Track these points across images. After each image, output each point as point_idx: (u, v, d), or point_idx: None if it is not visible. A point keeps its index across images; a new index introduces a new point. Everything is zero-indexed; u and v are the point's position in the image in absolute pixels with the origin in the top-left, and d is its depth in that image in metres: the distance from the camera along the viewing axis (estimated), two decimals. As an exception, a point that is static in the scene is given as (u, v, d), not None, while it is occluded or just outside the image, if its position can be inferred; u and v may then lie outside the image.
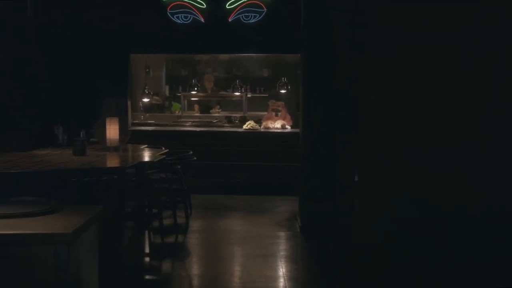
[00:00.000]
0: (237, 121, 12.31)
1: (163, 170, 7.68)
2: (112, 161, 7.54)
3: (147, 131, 11.00)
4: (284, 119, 11.26)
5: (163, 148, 8.96)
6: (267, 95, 14.46)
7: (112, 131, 8.23)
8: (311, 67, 7.87)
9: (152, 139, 10.63)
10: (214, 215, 8.91)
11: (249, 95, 13.21)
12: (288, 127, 11.15)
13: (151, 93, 11.38)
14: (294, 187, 10.03)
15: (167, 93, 14.59)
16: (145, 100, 11.49)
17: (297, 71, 12.52)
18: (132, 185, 7.30)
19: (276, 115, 11.29)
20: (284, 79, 11.10)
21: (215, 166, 10.71)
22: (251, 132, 10.80)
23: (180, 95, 13.16)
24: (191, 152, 8.94)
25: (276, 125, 11.06)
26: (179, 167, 7.78)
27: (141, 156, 7.97)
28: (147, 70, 14.10)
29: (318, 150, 7.83)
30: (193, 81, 11.53)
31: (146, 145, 9.08)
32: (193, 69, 14.14)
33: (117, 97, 10.52)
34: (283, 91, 11.19)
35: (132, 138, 10.26)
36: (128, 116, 10.86)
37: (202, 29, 10.78)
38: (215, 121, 12.40)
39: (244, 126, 10.98)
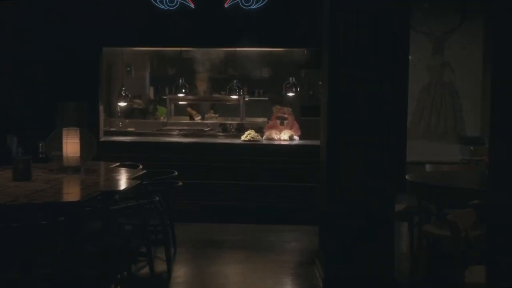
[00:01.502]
0: (233, 130, 10.20)
1: (138, 201, 5.57)
2: (66, 191, 5.45)
3: (123, 142, 8.87)
4: (291, 128, 9.17)
5: (141, 166, 6.89)
6: (267, 98, 12.46)
7: (70, 146, 6.14)
8: (343, 62, 5.77)
9: (129, 153, 8.55)
10: (205, 256, 6.78)
11: (246, 99, 11.14)
12: (296, 137, 9.07)
13: (129, 95, 9.26)
14: (308, 214, 7.98)
15: (151, 95, 12.50)
16: (122, 104, 9.37)
17: (301, 70, 10.51)
18: (94, 228, 5.22)
19: (282, 123, 9.20)
20: (292, 80, 9.01)
21: (207, 187, 8.61)
22: (251, 145, 8.71)
23: (166, 98, 11.03)
24: (176, 173, 6.83)
25: (282, 136, 8.97)
26: (157, 199, 5.65)
27: (110, 181, 5.88)
28: (128, 69, 12.03)
29: (353, 167, 5.75)
30: (181, 81, 9.41)
31: (119, 163, 6.98)
32: (183, 68, 11.98)
33: (86, 100, 8.43)
34: (290, 94, 9.08)
35: (104, 151, 8.19)
36: (99, 124, 8.72)
37: (191, 16, 8.67)
38: (206, 129, 10.29)
39: (243, 137, 8.89)
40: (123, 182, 5.76)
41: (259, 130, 9.95)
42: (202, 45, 9.02)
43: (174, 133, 10.07)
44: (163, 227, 6.05)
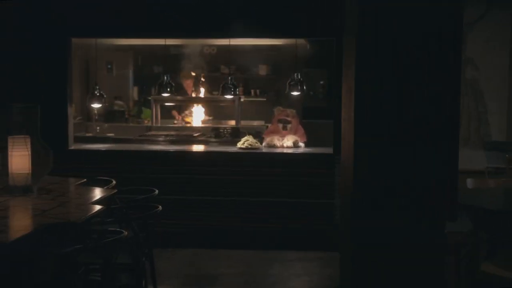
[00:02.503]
0: (227, 135, 8.76)
1: (101, 237, 4.09)
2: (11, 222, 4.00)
3: (97, 151, 7.38)
4: (295, 133, 7.72)
5: (114, 182, 5.46)
6: (264, 99, 11.02)
7: (18, 159, 4.67)
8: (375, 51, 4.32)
9: (104, 164, 7.10)
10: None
11: (242, 99, 9.69)
12: (301, 144, 7.62)
13: (105, 95, 7.79)
14: (320, 237, 6.58)
15: (135, 96, 11.02)
16: (95, 105, 7.88)
17: (302, 69, 9.07)
18: (44, 277, 3.76)
19: (285, 128, 7.75)
20: (297, 76, 7.52)
21: (198, 204, 7.14)
22: (249, 153, 7.25)
23: (150, 99, 9.54)
24: (156, 192, 5.37)
25: (286, 142, 7.52)
26: (124, 234, 4.16)
27: (67, 208, 4.42)
28: (109, 66, 10.56)
29: (390, 183, 4.32)
30: (165, 78, 7.92)
31: (85, 179, 5.52)
32: (170, 66, 10.46)
33: (53, 101, 6.97)
34: (296, 93, 7.61)
35: (74, 162, 6.77)
36: (68, 130, 7.23)
37: (176, 2, 7.19)
38: (196, 134, 8.83)
39: (240, 144, 7.44)
40: (84, 209, 4.29)
41: (257, 135, 8.50)
42: (188, 35, 7.54)
43: (160, 139, 8.63)
44: (136, 266, 4.57)
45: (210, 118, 9.73)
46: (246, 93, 10.87)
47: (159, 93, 7.88)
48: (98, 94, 7.69)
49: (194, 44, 10.44)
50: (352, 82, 4.44)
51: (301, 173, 7.04)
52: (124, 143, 8.52)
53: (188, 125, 9.58)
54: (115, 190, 5.00)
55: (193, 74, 10.23)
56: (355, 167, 4.39)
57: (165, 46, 10.51)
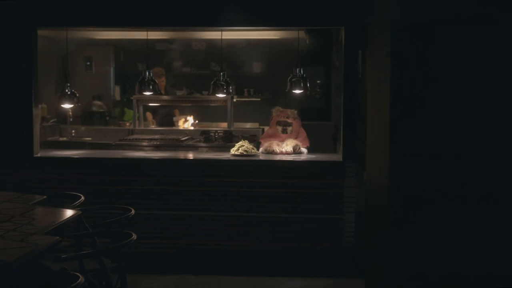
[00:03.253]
0: (219, 140, 7.71)
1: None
2: None
3: (69, 159, 6.30)
4: (296, 137, 6.68)
5: (82, 198, 4.45)
6: (259, 99, 9.99)
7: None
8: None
9: (75, 174, 6.05)
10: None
11: (234, 100, 8.65)
12: (304, 150, 6.58)
13: (77, 94, 6.71)
14: (329, 261, 5.57)
15: (117, 96, 9.95)
16: (66, 105, 6.79)
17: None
18: None
19: (285, 131, 6.71)
20: (299, 72, 6.45)
21: (184, 221, 6.08)
22: (245, 161, 6.19)
23: (133, 99, 8.47)
24: (132, 212, 4.32)
25: (286, 147, 6.47)
26: (81, 281, 3.09)
27: (7, 241, 3.37)
28: (88, 63, 9.49)
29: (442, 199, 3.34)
30: (147, 74, 6.83)
31: (45, 196, 4.47)
32: (156, 63, 9.40)
33: (16, 100, 5.93)
34: (298, 91, 6.53)
35: (40, 173, 5.73)
36: (34, 133, 6.15)
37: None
38: (184, 139, 7.78)
39: (233, 150, 6.39)
40: (30, 241, 3.23)
41: (252, 139, 7.47)
42: (170, 24, 6.46)
43: (143, 144, 7.57)
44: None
45: (196, 122, 8.69)
46: (239, 93, 9.85)
47: (140, 91, 6.81)
48: (69, 92, 6.60)
49: (181, 38, 9.41)
50: (384, 98, 3.48)
51: (304, 184, 6.00)
52: (101, 148, 7.47)
53: (174, 128, 8.55)
54: (79, 212, 3.94)
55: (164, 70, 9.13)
56: (397, 179, 3.40)
57: (150, 41, 9.48)
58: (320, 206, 5.97)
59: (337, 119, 11.00)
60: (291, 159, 6.21)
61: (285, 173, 6.05)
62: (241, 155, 6.30)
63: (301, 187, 5.99)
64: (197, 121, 8.77)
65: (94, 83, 9.39)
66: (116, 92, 9.93)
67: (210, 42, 9.75)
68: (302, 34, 8.79)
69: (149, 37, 7.76)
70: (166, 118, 9.11)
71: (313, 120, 9.11)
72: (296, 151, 6.47)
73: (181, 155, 6.69)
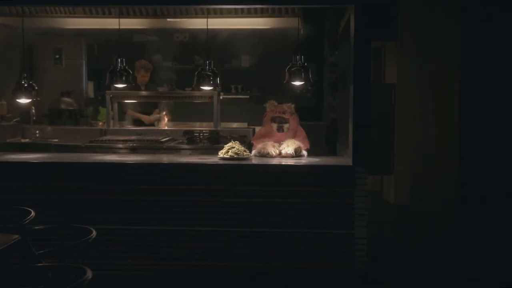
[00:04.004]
0: (204, 141, 6.69)
1: None
2: None
3: (25, 165, 5.22)
4: (294, 136, 5.67)
5: (32, 214, 3.45)
6: (247, 96, 9.01)
7: None
8: None
9: (30, 183, 5.00)
10: None
11: (220, 97, 7.65)
12: (304, 152, 5.56)
13: (36, 87, 5.64)
14: (338, 284, 4.60)
15: (90, 93, 8.91)
16: (22, 100, 5.70)
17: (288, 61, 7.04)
18: None
19: (280, 129, 5.69)
20: (299, 59, 5.38)
21: (165, 237, 5.05)
22: (236, 166, 5.15)
23: (106, 95, 7.41)
24: (94, 234, 3.28)
25: (284, 149, 5.46)
26: None
27: None
28: (57, 56, 8.44)
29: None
30: (119, 63, 5.73)
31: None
32: (134, 56, 8.33)
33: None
34: (298, 83, 5.47)
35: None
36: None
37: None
38: (164, 139, 6.75)
39: (222, 153, 5.36)
40: None
41: (241, 141, 6.47)
42: (144, 1, 5.42)
43: (118, 145, 6.55)
44: None
45: (164, 114, 7.65)
46: (225, 89, 8.87)
47: (111, 83, 5.73)
48: (26, 85, 5.53)
49: (161, 28, 8.37)
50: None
51: (307, 193, 4.99)
52: (69, 151, 6.41)
53: (154, 127, 7.51)
54: (17, 238, 2.90)
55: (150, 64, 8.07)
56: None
57: (126, 31, 8.48)
58: (326, 219, 4.96)
59: (329, 118, 10.20)
60: (291, 164, 5.18)
61: (283, 180, 5.04)
62: (231, 158, 5.28)
63: (303, 197, 4.98)
64: (165, 114, 7.67)
65: (63, 78, 8.34)
66: (90, 88, 8.88)
67: (194, 33, 8.77)
68: (295, 23, 7.85)
69: (125, 27, 6.76)
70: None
71: (304, 120, 8.14)
72: (297, 153, 5.46)
73: (160, 158, 5.64)
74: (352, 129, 4.98)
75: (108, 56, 9.23)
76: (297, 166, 5.13)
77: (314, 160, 5.35)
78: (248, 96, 9.25)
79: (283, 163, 5.19)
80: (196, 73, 5.62)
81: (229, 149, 5.37)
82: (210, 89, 6.20)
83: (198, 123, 8.16)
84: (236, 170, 5.11)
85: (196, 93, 7.22)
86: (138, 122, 7.85)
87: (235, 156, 5.30)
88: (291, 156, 5.42)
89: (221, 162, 5.23)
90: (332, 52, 9.94)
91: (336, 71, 9.81)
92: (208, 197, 5.02)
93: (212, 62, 5.62)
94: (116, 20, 6.53)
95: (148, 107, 7.82)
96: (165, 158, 5.63)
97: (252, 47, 9.01)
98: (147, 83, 7.71)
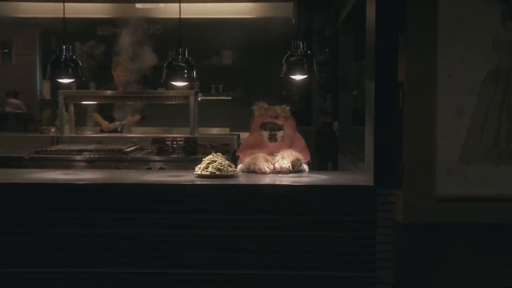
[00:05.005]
0: (178, 151, 5.38)
1: None
2: None
3: None
4: (291, 146, 4.36)
5: None
6: (229, 97, 7.76)
7: None
8: None
9: None
10: None
11: (199, 99, 6.39)
12: (305, 166, 4.25)
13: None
14: None
15: (46, 94, 7.54)
16: None
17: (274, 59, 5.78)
18: None
19: (273, 137, 4.37)
20: (300, 46, 4.04)
21: (125, 284, 3.69)
22: (219, 186, 3.81)
23: (59, 95, 6.05)
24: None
25: (281, 162, 4.14)
26: None
27: None
28: (5, 51, 7.11)
29: None
30: (63, 49, 4.37)
31: None
32: (98, 51, 7.05)
33: None
34: (299, 77, 4.10)
35: None
36: None
37: None
38: (129, 149, 5.42)
39: (200, 168, 4.02)
40: None
41: (224, 150, 5.19)
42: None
43: (71, 157, 5.21)
44: None
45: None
46: (205, 89, 7.64)
47: (53, 76, 4.35)
48: None
49: (130, 18, 7.08)
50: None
51: (314, 223, 3.68)
52: (8, 165, 5.05)
53: (117, 134, 6.17)
54: None
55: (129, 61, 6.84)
56: None
57: (90, 22, 7.29)
58: (339, 258, 3.66)
59: (319, 123, 9.08)
60: (290, 183, 3.88)
61: (282, 206, 3.73)
62: (213, 176, 3.96)
63: (308, 228, 3.68)
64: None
65: (12, 76, 7.03)
66: (46, 88, 7.52)
67: (168, 25, 7.46)
68: (287, 11, 6.67)
69: (88, 16, 5.51)
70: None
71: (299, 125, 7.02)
72: (295, 168, 4.17)
73: (118, 176, 4.29)
74: (374, 138, 3.69)
75: (70, 51, 8.05)
76: (300, 187, 3.81)
77: (319, 177, 4.04)
78: (230, 98, 8.05)
79: (281, 183, 3.88)
80: (165, 65, 4.26)
81: (210, 164, 4.04)
82: (185, 86, 4.85)
83: (172, 129, 6.87)
84: (220, 192, 3.79)
85: (169, 92, 5.93)
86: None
87: (217, 173, 3.98)
88: (288, 172, 4.12)
89: (200, 181, 3.90)
90: (322, 50, 8.87)
91: (327, 71, 8.69)
92: (181, 228, 3.69)
93: (186, 50, 4.26)
94: (78, 7, 5.32)
95: (122, 111, 6.55)
96: (124, 176, 4.27)
97: (236, 40, 7.73)
98: (126, 84, 6.50)
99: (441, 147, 6.88)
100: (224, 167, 4.02)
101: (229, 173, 4.00)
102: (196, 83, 7.15)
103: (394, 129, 3.70)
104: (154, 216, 3.70)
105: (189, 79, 4.16)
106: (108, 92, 6.15)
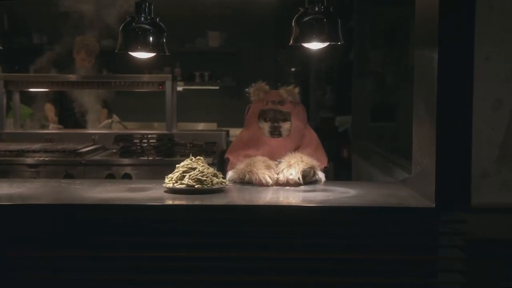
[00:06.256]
0: (150, 152, 4.04)
1: None
2: None
3: None
4: (299, 145, 3.04)
5: None
6: (217, 87, 6.54)
7: None
8: None
9: None
10: None
11: (180, 88, 5.11)
12: (321, 176, 2.93)
13: None
14: None
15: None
16: None
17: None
18: None
19: (275, 131, 3.06)
20: (318, 4, 2.75)
21: None
22: (199, 208, 2.48)
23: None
24: None
25: (284, 172, 2.81)
26: None
27: None
28: None
29: None
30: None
31: None
32: (60, 32, 5.77)
33: None
34: (316, 45, 2.71)
35: None
36: None
37: None
38: (85, 149, 4.09)
39: (172, 178, 2.70)
40: None
41: (210, 151, 3.88)
42: None
43: (12, 159, 3.88)
44: None
45: (112, 121, 5.04)
46: (187, 77, 6.42)
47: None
48: None
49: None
50: None
51: (341, 263, 2.37)
52: None
53: (76, 130, 4.83)
54: None
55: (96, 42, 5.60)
56: None
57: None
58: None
59: (317, 118, 7.91)
60: (304, 202, 2.55)
61: (295, 238, 2.40)
62: (190, 190, 2.63)
63: (331, 273, 2.36)
64: (112, 121, 5.09)
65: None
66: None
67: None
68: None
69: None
70: (71, 117, 5.40)
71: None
72: (308, 179, 2.86)
73: (52, 190, 2.90)
74: (438, 142, 2.36)
75: (25, 32, 6.78)
76: (319, 210, 2.47)
77: (344, 192, 2.70)
78: (218, 87, 6.84)
79: (287, 203, 2.55)
80: (121, 28, 2.89)
81: (186, 172, 2.70)
82: (149, 56, 3.42)
83: (146, 124, 5.59)
84: (200, 215, 2.46)
85: (140, 77, 4.60)
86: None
87: (196, 186, 2.65)
88: (297, 184, 2.80)
89: (170, 199, 2.57)
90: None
91: (328, 59, 7.52)
92: (138, 272, 2.37)
93: (152, 7, 2.91)
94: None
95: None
96: (60, 190, 2.88)
97: (224, 18, 6.43)
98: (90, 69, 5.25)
99: (474, 146, 5.51)
100: (206, 177, 2.68)
101: (214, 186, 2.67)
102: (178, 69, 5.91)
103: (465, 130, 2.40)
104: (96, 254, 2.36)
105: (155, 48, 2.80)
106: (62, 77, 4.79)
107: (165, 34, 2.86)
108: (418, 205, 2.41)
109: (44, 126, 5.14)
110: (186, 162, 2.74)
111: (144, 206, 2.42)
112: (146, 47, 2.77)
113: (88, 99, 5.21)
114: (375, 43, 5.52)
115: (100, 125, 4.97)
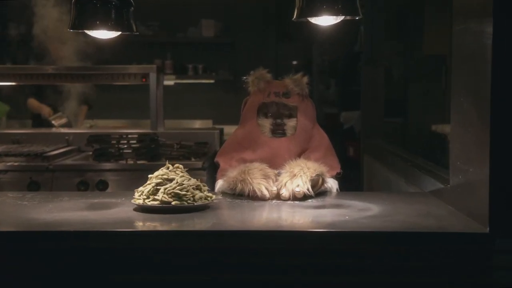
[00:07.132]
0: (129, 154, 3.43)
1: None
2: None
3: None
4: (306, 146, 2.45)
5: None
6: (212, 81, 6.04)
7: None
8: None
9: None
10: None
11: (171, 82, 4.54)
12: (332, 185, 2.33)
13: None
14: None
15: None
16: None
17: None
18: None
19: (278, 129, 2.47)
20: None
21: None
22: (184, 235, 1.87)
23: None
24: None
25: (291, 186, 2.21)
26: None
27: None
28: None
29: None
30: None
31: None
32: (40, 23, 5.18)
33: None
34: (329, 20, 2.11)
35: None
36: None
37: None
38: (56, 152, 3.47)
39: (142, 193, 2.07)
40: None
41: (200, 153, 3.27)
42: None
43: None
44: None
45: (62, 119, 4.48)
46: (180, 70, 5.92)
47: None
48: None
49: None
50: None
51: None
52: None
53: (47, 130, 4.22)
54: None
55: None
56: None
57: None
58: None
59: (320, 115, 7.40)
60: (310, 225, 1.94)
61: (300, 271, 1.80)
62: (165, 208, 2.02)
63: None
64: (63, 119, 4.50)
65: None
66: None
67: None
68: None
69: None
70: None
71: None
72: (316, 190, 2.26)
73: (8, 206, 2.27)
74: (493, 147, 1.74)
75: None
76: (334, 235, 1.86)
77: (364, 207, 2.09)
78: (213, 81, 6.28)
79: (298, 226, 1.94)
80: (73, 0, 2.22)
81: (159, 185, 2.08)
82: (111, 36, 2.71)
83: (125, 121, 5.01)
84: (179, 243, 1.85)
85: (120, 69, 3.99)
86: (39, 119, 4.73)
87: (173, 203, 2.03)
88: (301, 195, 2.20)
89: (140, 220, 1.97)
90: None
91: (330, 52, 7.04)
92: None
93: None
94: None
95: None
96: (12, 205, 2.24)
97: (219, 6, 5.87)
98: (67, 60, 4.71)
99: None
100: (186, 190, 2.07)
101: (196, 203, 2.05)
102: (169, 61, 5.46)
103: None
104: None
105: (121, 24, 2.16)
106: (33, 68, 4.18)
107: (133, 9, 2.23)
108: (466, 229, 1.79)
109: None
110: (161, 172, 2.12)
111: (100, 233, 1.80)
112: (105, 24, 2.13)
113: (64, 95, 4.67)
114: (388, 31, 4.94)
115: (56, 124, 4.38)
